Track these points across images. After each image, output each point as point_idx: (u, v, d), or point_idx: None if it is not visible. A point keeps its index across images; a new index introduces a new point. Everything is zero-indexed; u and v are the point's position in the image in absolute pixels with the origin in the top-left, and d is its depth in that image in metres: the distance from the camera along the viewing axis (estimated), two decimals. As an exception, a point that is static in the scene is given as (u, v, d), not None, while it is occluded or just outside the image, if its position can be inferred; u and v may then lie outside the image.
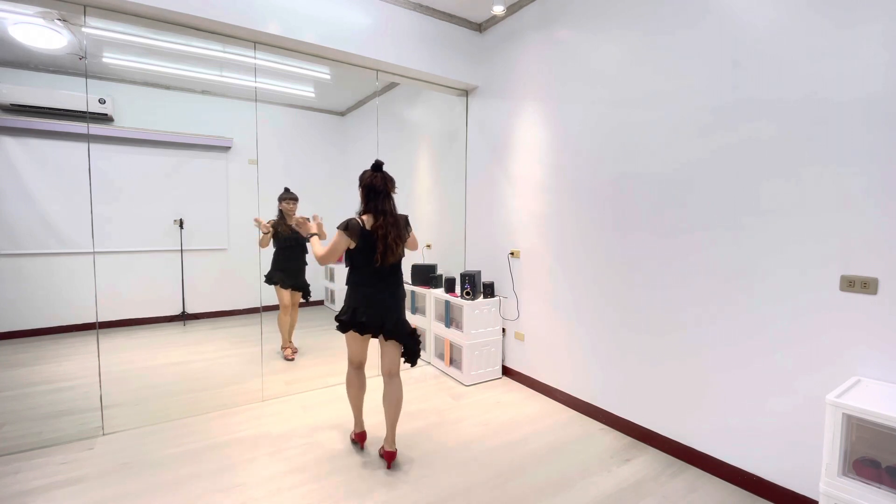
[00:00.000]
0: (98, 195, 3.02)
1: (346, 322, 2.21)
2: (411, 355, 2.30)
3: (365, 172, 2.24)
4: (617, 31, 2.58)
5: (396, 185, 2.25)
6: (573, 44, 2.87)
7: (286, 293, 3.88)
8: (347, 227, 2.14)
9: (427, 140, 4.50)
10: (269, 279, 3.87)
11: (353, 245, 2.16)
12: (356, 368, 2.36)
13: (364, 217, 2.19)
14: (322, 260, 2.19)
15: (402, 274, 2.32)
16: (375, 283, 2.20)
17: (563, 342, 3.03)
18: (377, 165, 2.23)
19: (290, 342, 3.99)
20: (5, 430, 2.56)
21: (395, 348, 2.27)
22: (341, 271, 4.90)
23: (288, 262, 3.89)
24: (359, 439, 2.39)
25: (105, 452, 2.35)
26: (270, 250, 3.94)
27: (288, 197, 3.83)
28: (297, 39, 2.89)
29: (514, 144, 3.39)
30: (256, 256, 3.84)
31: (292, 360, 3.88)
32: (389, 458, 2.25)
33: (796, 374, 1.87)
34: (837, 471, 1.46)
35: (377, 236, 2.14)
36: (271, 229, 3.74)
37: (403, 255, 2.29)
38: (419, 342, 2.34)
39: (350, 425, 2.55)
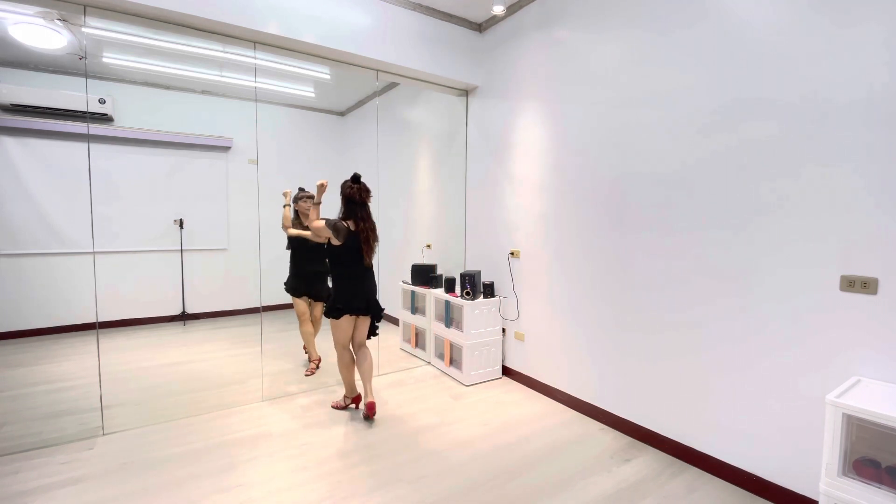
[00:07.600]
0: (98, 195, 3.03)
1: (344, 309, 2.69)
2: (374, 330, 2.90)
3: (345, 183, 2.68)
4: (617, 31, 2.58)
5: (372, 194, 2.73)
6: (573, 44, 2.87)
7: (301, 303, 3.54)
8: (335, 228, 2.59)
9: (427, 140, 4.50)
10: (289, 288, 3.55)
11: (337, 243, 2.62)
12: (344, 348, 2.81)
13: (346, 222, 2.64)
14: (312, 230, 2.72)
15: (373, 266, 2.87)
16: (359, 275, 2.74)
17: (564, 342, 3.03)
18: (356, 178, 2.67)
19: (318, 356, 3.62)
20: (5, 430, 2.56)
21: (365, 324, 2.83)
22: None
23: (303, 267, 3.54)
24: (356, 401, 2.89)
25: (105, 452, 2.35)
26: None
27: (305, 196, 3.55)
28: (296, 39, 2.89)
29: (514, 144, 3.39)
30: (256, 256, 3.84)
31: (311, 375, 3.49)
32: (372, 408, 2.68)
33: (796, 373, 1.87)
34: (837, 471, 1.46)
35: (362, 238, 2.65)
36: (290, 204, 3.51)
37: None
38: (381, 319, 2.93)
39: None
